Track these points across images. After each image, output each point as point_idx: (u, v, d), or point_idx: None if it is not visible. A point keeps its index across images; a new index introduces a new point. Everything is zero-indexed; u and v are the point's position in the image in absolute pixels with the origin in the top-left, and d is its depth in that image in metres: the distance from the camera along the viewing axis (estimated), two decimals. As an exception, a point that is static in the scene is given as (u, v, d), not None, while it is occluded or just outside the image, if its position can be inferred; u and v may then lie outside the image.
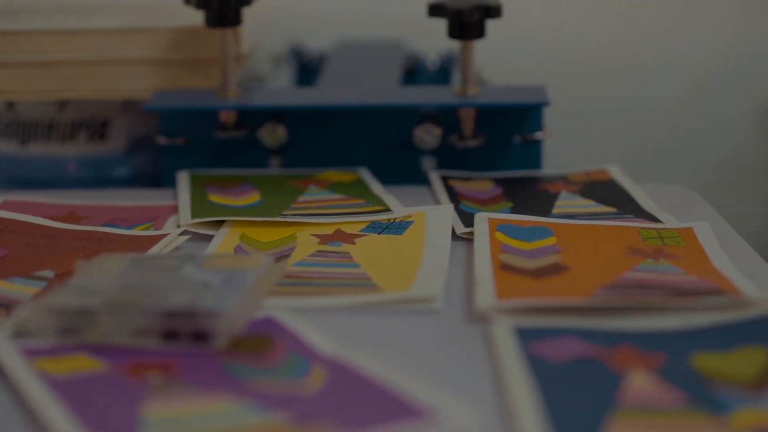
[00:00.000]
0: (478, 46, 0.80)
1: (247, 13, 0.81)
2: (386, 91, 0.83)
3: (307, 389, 0.48)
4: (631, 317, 0.55)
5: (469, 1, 0.77)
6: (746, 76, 1.02)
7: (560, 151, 0.96)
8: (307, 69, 1.00)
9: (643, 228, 0.68)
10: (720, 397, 0.47)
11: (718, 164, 1.04)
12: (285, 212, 0.71)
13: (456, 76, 0.92)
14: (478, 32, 0.78)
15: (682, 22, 1.02)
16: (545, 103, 0.79)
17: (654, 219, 0.70)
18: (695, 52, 1.02)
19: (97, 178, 0.85)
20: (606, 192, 0.75)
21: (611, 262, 0.62)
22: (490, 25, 0.78)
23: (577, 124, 1.03)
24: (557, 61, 1.02)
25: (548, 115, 0.82)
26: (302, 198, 0.74)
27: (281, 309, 0.56)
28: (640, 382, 0.48)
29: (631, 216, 0.70)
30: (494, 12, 0.78)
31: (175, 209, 0.73)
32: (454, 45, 0.91)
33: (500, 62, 1.00)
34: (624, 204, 0.73)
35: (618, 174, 0.79)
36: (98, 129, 0.85)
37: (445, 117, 0.80)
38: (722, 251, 0.64)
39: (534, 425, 0.45)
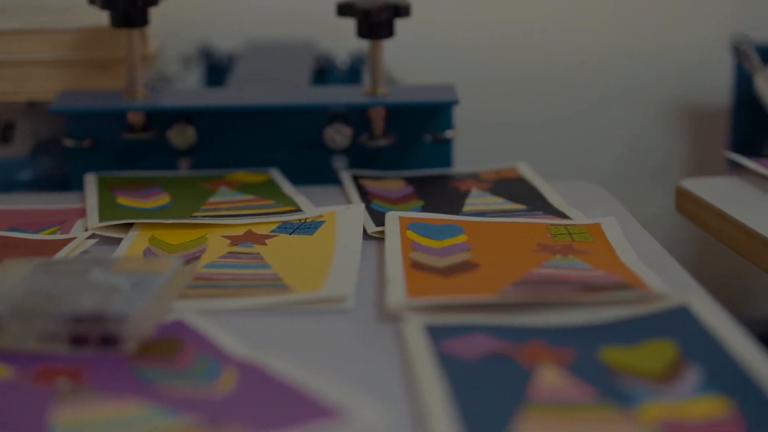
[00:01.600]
0: (388, 46, 0.80)
1: (154, 13, 0.80)
2: (296, 91, 0.82)
3: (218, 392, 0.48)
4: (540, 313, 0.55)
5: (378, 0, 0.77)
6: (649, 74, 1.04)
7: (470, 150, 0.97)
8: (216, 69, 0.99)
9: (551, 224, 0.68)
10: (628, 390, 0.48)
11: (624, 160, 1.06)
12: (195, 214, 0.70)
13: (366, 76, 0.92)
14: (387, 32, 0.78)
15: (587, 23, 1.03)
16: (455, 102, 0.79)
17: (562, 215, 0.71)
18: (600, 52, 1.04)
19: (1, 182, 0.83)
20: (515, 189, 0.76)
21: (521, 259, 0.62)
22: (400, 24, 0.79)
23: (487, 123, 1.04)
24: (467, 60, 1.03)
25: (458, 114, 0.82)
26: (212, 199, 0.73)
27: (191, 312, 0.56)
28: (549, 377, 0.49)
29: (540, 213, 0.71)
30: (403, 11, 0.78)
31: (82, 212, 0.72)
32: (365, 44, 0.91)
33: (410, 61, 1.00)
34: (533, 201, 0.74)
35: (527, 171, 0.80)
36: (2, 132, 0.83)
37: (356, 116, 0.80)
38: (629, 246, 0.65)
39: (444, 422, 0.45)
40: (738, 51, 0.96)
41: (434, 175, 0.79)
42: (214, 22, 1.03)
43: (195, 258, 0.64)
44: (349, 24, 0.79)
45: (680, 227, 1.04)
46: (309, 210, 0.71)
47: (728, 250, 0.71)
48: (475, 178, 0.79)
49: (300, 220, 0.70)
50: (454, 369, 0.49)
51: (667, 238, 1.03)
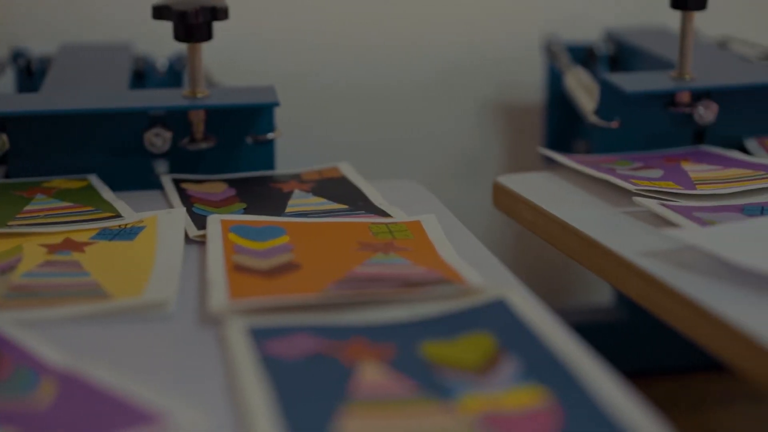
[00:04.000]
0: (208, 48, 0.80)
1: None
2: (114, 94, 0.81)
3: (37, 403, 0.47)
4: (361, 311, 0.56)
5: (195, 2, 0.77)
6: (466, 73, 1.06)
7: (293, 151, 0.98)
8: (29, 74, 0.97)
9: (373, 223, 0.69)
10: (448, 383, 0.49)
11: (443, 158, 1.08)
12: (10, 223, 0.69)
13: (186, 79, 0.92)
14: (205, 34, 0.77)
15: (412, 22, 1.05)
16: (275, 104, 0.79)
17: (384, 214, 0.72)
18: (417, 51, 1.05)
19: None
20: (337, 189, 0.77)
21: (343, 258, 0.63)
22: (218, 26, 0.78)
23: (310, 124, 1.04)
24: (288, 61, 1.03)
25: (280, 115, 0.82)
26: (28, 207, 0.72)
27: (7, 322, 0.54)
28: (370, 374, 0.49)
29: (362, 212, 0.72)
30: (221, 14, 0.77)
31: None
32: (184, 47, 0.90)
33: (230, 64, 1.00)
34: (355, 200, 0.74)
35: (349, 171, 0.81)
36: None
37: (176, 120, 0.79)
38: (448, 242, 0.66)
39: (266, 424, 0.45)
40: (549, 51, 0.99)
41: (256, 177, 0.79)
42: (26, 25, 1.00)
43: (11, 268, 0.62)
44: (169, 27, 0.78)
45: (498, 222, 1.07)
46: (129, 215, 0.70)
47: (544, 242, 0.74)
48: (297, 179, 0.79)
49: (120, 226, 0.69)
50: (276, 370, 0.49)
51: (486, 234, 1.06)
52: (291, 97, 0.99)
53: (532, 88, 1.06)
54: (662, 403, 0.69)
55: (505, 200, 0.78)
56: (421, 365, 0.50)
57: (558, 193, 0.76)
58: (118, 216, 0.70)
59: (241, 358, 0.50)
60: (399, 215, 0.71)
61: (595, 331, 0.95)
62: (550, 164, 0.83)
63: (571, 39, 1.01)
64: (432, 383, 0.49)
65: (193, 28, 0.77)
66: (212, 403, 0.47)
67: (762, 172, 0.76)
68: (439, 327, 0.54)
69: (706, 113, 0.83)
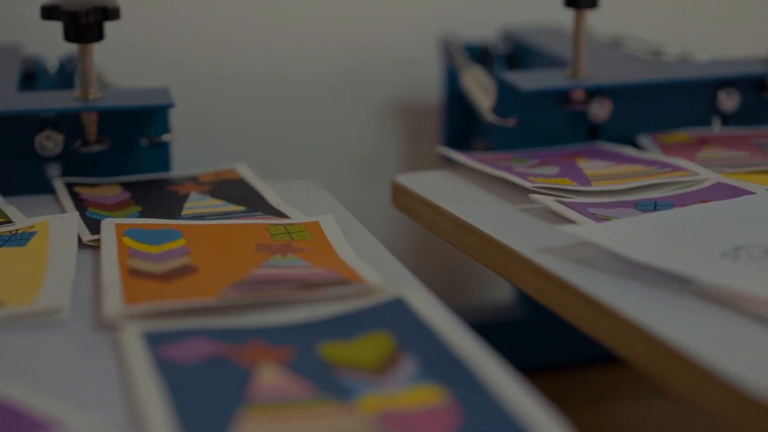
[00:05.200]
0: (100, 48, 0.78)
1: None
2: (2, 97, 0.79)
3: (-77, 415, 0.45)
4: (260, 313, 0.55)
5: (85, 2, 0.75)
6: (367, 73, 1.06)
7: (190, 152, 0.97)
8: None
9: (271, 224, 0.69)
10: (347, 384, 0.48)
11: (344, 159, 1.07)
12: None
13: (77, 80, 0.90)
14: (96, 35, 0.76)
15: (308, 22, 1.04)
16: (170, 105, 0.78)
17: (282, 215, 0.71)
18: (319, 51, 1.05)
19: None
20: (235, 191, 0.76)
21: (240, 261, 0.62)
22: (110, 26, 0.77)
23: (206, 125, 1.03)
24: (186, 61, 1.02)
25: (176, 117, 0.81)
26: None
27: None
28: (269, 377, 0.49)
29: (260, 213, 0.71)
30: (112, 14, 0.76)
31: None
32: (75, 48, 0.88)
33: (124, 65, 0.98)
34: (253, 202, 0.74)
35: (246, 172, 0.80)
36: None
37: (67, 122, 0.78)
38: (347, 242, 0.66)
39: (163, 429, 0.44)
40: (446, 50, 0.99)
41: (152, 180, 0.78)
42: None
43: None
44: (60, 27, 0.76)
45: (398, 222, 1.07)
46: (20, 221, 0.69)
47: (444, 241, 0.74)
48: (194, 181, 0.78)
49: (10, 231, 0.67)
50: (173, 374, 0.49)
51: (386, 234, 1.06)
52: (188, 98, 0.98)
53: (431, 87, 1.07)
54: (562, 398, 0.70)
55: (404, 200, 0.79)
56: (320, 366, 0.50)
57: (456, 192, 0.76)
58: (9, 222, 0.68)
59: (137, 364, 0.50)
60: (297, 216, 0.71)
61: (496, 329, 0.96)
62: (449, 163, 0.84)
63: (468, 38, 1.02)
64: (331, 384, 0.48)
65: (84, 28, 0.76)
66: (108, 409, 0.46)
67: (654, 168, 0.77)
68: (338, 327, 0.54)
69: (600, 110, 0.84)
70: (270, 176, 0.80)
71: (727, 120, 0.89)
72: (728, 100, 0.87)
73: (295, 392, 0.48)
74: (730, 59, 0.91)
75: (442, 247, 1.07)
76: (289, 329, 0.54)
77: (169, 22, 1.02)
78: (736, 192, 0.71)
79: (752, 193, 0.71)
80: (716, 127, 0.89)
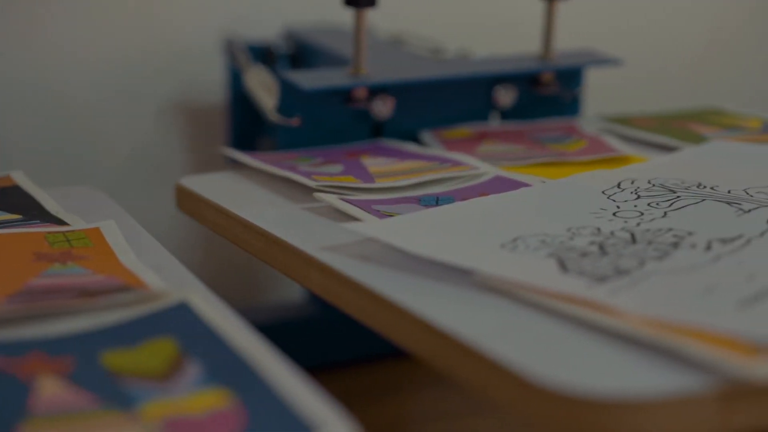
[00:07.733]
0: None
1: None
2: None
3: None
4: (39, 324, 0.54)
5: None
6: (147, 74, 1.04)
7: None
8: None
9: (49, 232, 0.67)
10: (130, 392, 0.48)
11: (125, 163, 1.05)
12: None
13: None
14: None
15: (86, 23, 1.02)
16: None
17: (61, 222, 0.69)
18: (95, 52, 1.02)
19: None
20: (11, 199, 0.74)
21: (17, 271, 0.60)
22: None
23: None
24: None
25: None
26: None
27: None
28: (49, 389, 0.48)
29: (37, 221, 0.69)
30: None
31: None
32: None
33: None
34: (29, 210, 0.71)
35: (22, 179, 0.77)
36: None
37: None
38: (129, 248, 0.65)
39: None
40: (228, 49, 0.99)
41: None
42: None
43: None
44: None
45: (183, 225, 1.06)
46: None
47: (232, 244, 0.73)
48: (-33, 190, 0.75)
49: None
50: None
51: (171, 238, 1.04)
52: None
53: (214, 87, 1.06)
54: (353, 393, 0.71)
55: (188, 203, 0.78)
56: (102, 375, 0.49)
57: (241, 193, 0.76)
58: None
59: None
60: (77, 223, 0.69)
61: (287, 328, 0.96)
62: (235, 164, 0.83)
63: (251, 38, 1.01)
64: (113, 393, 0.47)
65: None
66: None
67: (436, 163, 0.78)
68: (120, 335, 0.53)
69: (383, 108, 0.85)
70: (48, 183, 0.77)
71: (505, 114, 0.91)
72: (505, 96, 0.90)
73: (77, 403, 0.47)
74: (506, 56, 0.94)
75: (229, 249, 1.06)
76: (69, 339, 0.52)
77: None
78: (514, 185, 0.73)
79: (529, 185, 0.73)
80: (495, 122, 0.91)
